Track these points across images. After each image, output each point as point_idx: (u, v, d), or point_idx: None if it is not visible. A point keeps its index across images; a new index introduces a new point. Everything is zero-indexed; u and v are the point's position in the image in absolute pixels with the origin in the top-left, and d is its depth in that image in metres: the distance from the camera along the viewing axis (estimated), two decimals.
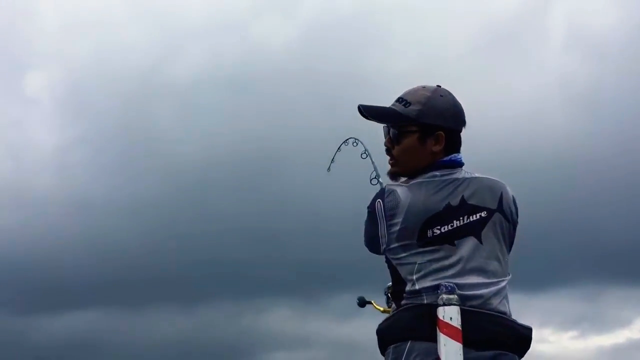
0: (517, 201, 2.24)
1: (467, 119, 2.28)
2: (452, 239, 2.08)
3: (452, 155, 2.21)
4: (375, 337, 2.17)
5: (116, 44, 16.14)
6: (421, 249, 2.07)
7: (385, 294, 3.10)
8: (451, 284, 2.00)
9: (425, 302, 2.04)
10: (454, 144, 2.23)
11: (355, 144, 3.12)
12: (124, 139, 15.55)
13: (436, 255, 2.07)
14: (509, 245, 2.21)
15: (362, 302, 3.51)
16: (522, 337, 2.09)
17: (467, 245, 2.09)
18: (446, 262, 2.06)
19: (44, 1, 17.59)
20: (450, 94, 2.26)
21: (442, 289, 1.99)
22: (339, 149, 3.16)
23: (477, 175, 2.21)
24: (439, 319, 1.96)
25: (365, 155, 3.07)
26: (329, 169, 2.99)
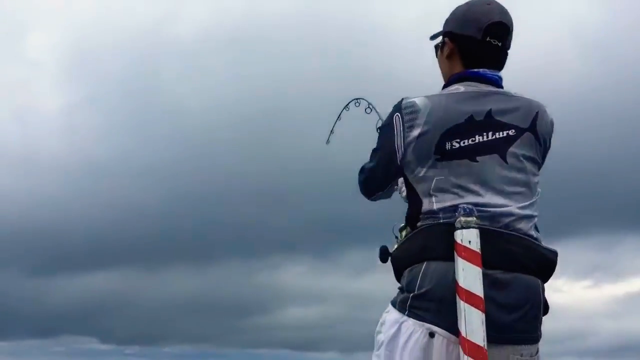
0: (554, 126, 2.07)
1: None
2: (473, 154, 1.93)
3: (480, 70, 2.04)
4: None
5: (118, 2, 15.86)
6: (439, 163, 1.93)
7: (395, 237, 2.78)
8: (469, 206, 1.88)
9: (442, 221, 1.92)
10: (474, 55, 2.04)
11: (357, 104, 2.93)
12: (131, 99, 15.45)
13: (456, 171, 1.93)
14: (539, 166, 2.05)
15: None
16: (546, 261, 1.97)
17: (490, 163, 1.93)
18: (466, 179, 1.92)
19: None
20: (481, 1, 2.06)
21: (460, 211, 1.88)
22: (339, 117, 2.89)
23: (513, 93, 2.04)
24: (456, 242, 1.86)
25: (369, 109, 2.90)
26: (327, 141, 2.74)
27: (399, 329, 1.91)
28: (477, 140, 1.93)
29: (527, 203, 1.97)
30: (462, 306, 1.82)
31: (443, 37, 2.12)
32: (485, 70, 2.04)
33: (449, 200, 1.93)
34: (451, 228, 1.88)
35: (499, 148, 1.94)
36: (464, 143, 1.92)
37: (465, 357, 1.80)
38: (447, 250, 1.87)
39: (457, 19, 2.08)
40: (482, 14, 2.02)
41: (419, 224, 1.99)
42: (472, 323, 1.81)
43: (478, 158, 1.93)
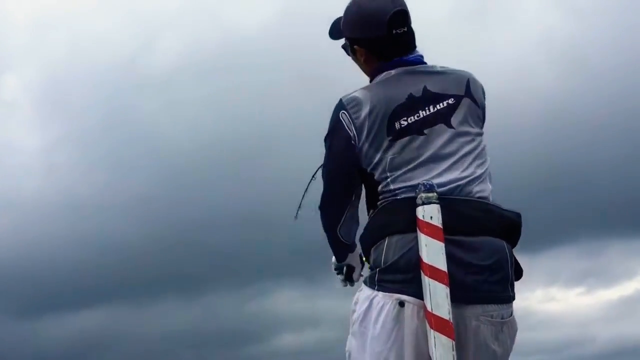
0: (485, 92, 2.17)
1: None
2: (421, 128, 2.00)
3: (400, 57, 2.09)
4: None
5: (91, 36, 15.84)
6: (392, 144, 1.99)
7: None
8: (430, 182, 1.91)
9: (400, 197, 1.96)
10: (387, 50, 2.09)
11: None
12: (108, 134, 15.35)
13: (407, 147, 1.99)
14: (481, 126, 2.13)
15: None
16: (509, 222, 1.99)
17: (438, 132, 2.01)
18: (418, 152, 1.98)
19: None
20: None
21: (421, 187, 1.89)
22: (306, 190, 2.47)
23: (440, 68, 2.13)
24: (418, 218, 1.86)
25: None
26: (296, 216, 2.48)
27: (370, 304, 1.93)
28: (421, 115, 2.00)
29: (477, 164, 2.02)
30: (427, 281, 1.82)
31: (350, 45, 2.17)
32: (402, 57, 2.09)
33: (404, 176, 1.97)
34: (410, 202, 1.90)
35: (443, 117, 2.02)
36: (411, 120, 1.99)
37: (432, 331, 1.80)
38: (408, 223, 1.89)
39: (354, 23, 2.12)
40: (377, 11, 2.05)
41: (378, 202, 2.02)
42: (437, 297, 1.80)
43: (425, 131, 2.00)
